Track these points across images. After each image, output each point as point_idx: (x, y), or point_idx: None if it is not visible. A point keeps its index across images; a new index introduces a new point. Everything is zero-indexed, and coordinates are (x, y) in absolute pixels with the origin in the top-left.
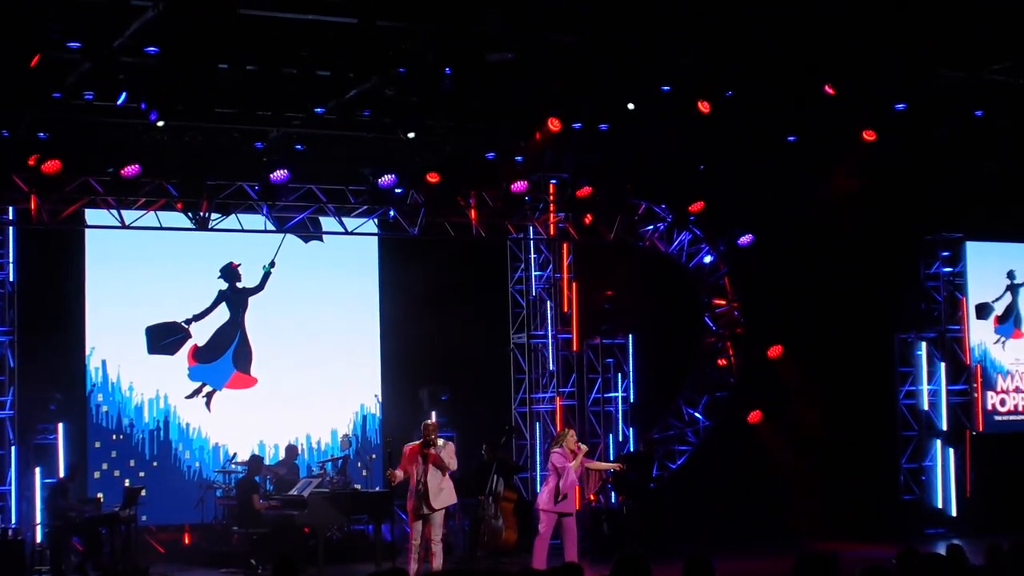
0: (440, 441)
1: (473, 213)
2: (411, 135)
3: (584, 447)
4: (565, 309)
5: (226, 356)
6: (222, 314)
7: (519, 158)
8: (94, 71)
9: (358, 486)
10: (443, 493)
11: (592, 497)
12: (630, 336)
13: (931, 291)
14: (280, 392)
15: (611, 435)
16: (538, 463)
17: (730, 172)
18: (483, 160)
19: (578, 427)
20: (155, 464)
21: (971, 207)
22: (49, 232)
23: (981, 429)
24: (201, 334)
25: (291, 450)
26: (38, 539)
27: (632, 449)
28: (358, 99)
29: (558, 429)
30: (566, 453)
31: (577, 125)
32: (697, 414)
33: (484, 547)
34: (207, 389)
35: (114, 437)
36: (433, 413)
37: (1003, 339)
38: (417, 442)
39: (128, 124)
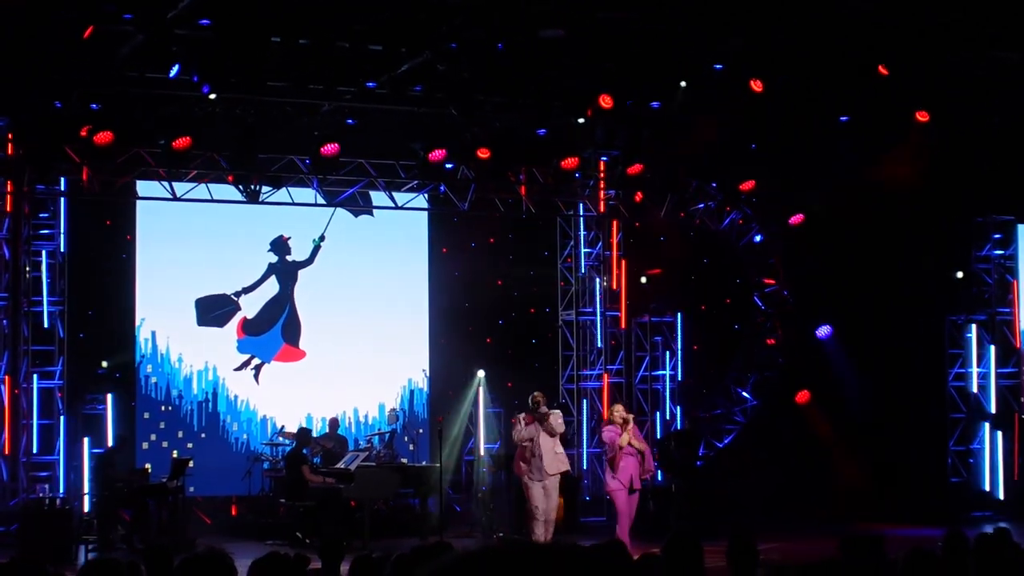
0: (547, 409)
1: (523, 189)
2: (462, 110)
3: (629, 415)
4: (614, 286)
5: (275, 329)
6: (272, 287)
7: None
8: (147, 43)
9: (405, 460)
10: (557, 458)
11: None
12: (678, 314)
13: (982, 273)
14: (328, 365)
15: (658, 413)
16: (584, 440)
17: (782, 151)
18: (534, 136)
19: (625, 405)
20: (203, 436)
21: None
22: (100, 203)
23: None
24: (250, 307)
25: (333, 423)
26: (86, 509)
27: (679, 427)
28: (410, 74)
29: (604, 406)
30: (615, 428)
31: (629, 102)
32: (745, 393)
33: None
34: (256, 361)
35: (163, 408)
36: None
37: None
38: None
39: (180, 96)
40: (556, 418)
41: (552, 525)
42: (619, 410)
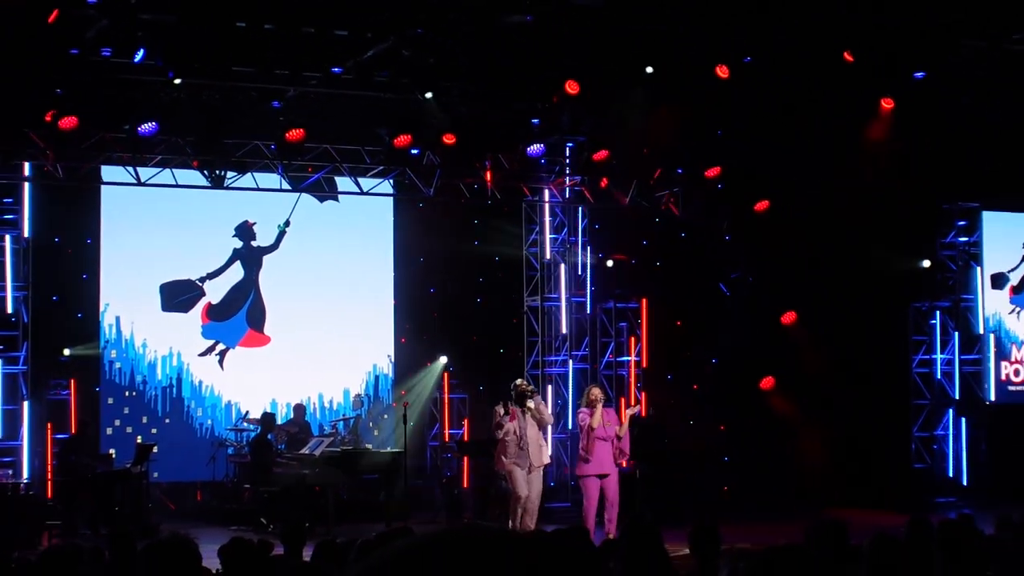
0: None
1: (489, 175)
2: (428, 96)
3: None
4: (579, 272)
5: (240, 314)
6: (236, 272)
7: (536, 120)
8: (112, 27)
9: (369, 445)
10: (542, 450)
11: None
12: (643, 300)
13: (947, 260)
14: (293, 351)
15: (623, 399)
16: (549, 426)
17: (747, 138)
18: (500, 122)
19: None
20: (167, 421)
21: (988, 177)
22: (65, 188)
23: (994, 399)
24: (215, 292)
25: (299, 409)
26: (49, 495)
27: (644, 413)
28: (375, 59)
29: (570, 392)
30: (588, 410)
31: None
32: (709, 379)
33: (495, 508)
34: (220, 347)
35: (127, 394)
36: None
37: (1018, 309)
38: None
39: (145, 81)
40: (543, 409)
41: (536, 514)
42: (593, 392)
